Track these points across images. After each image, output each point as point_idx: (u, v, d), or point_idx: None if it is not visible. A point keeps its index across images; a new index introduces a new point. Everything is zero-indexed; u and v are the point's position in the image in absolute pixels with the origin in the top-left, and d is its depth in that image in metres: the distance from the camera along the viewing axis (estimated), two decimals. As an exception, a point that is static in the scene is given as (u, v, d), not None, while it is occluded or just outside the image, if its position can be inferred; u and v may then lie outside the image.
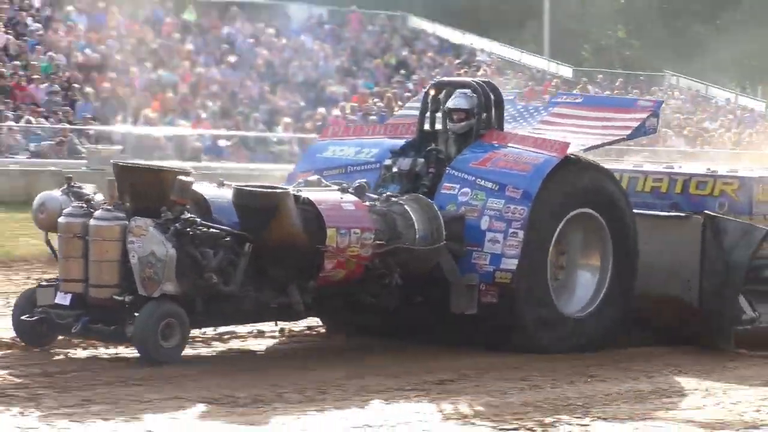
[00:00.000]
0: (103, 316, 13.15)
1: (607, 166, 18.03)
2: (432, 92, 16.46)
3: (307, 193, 14.30)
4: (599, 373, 14.76)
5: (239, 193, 13.76)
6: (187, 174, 13.75)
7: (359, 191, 14.77)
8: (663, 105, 17.59)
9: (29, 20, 51.59)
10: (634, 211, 16.75)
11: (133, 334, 12.74)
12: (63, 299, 13.31)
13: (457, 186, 15.12)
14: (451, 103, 16.06)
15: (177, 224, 13.01)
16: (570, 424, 11.87)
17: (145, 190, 13.54)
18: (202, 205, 13.98)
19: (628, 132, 17.08)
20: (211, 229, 13.67)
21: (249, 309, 14.12)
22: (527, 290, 14.91)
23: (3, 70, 46.17)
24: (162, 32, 56.54)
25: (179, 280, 12.88)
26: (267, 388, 12.79)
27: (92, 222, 13.17)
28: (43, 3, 55.19)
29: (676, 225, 16.77)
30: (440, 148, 16.08)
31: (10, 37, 49.66)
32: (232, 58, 55.99)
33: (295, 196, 14.01)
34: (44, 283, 13.79)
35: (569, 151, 15.70)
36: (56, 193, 14.03)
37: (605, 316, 15.86)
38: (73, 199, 13.75)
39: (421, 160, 15.61)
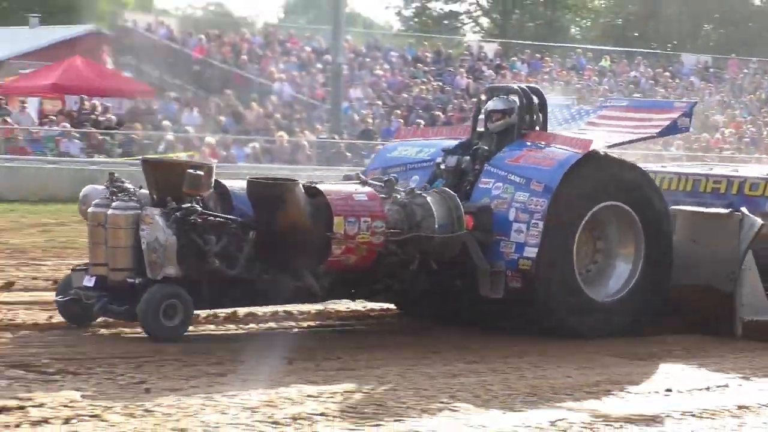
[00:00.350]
0: (119, 297, 12.16)
1: (671, 168, 17.04)
2: (483, 97, 15.11)
3: (320, 185, 13.16)
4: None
5: (251, 184, 12.69)
6: (204, 168, 12.75)
7: (388, 185, 13.40)
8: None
9: (484, 68, 56.71)
10: (688, 208, 14.84)
11: (138, 312, 11.77)
12: (89, 281, 12.37)
13: (492, 181, 13.69)
14: (489, 105, 14.57)
15: (177, 213, 11.89)
16: None
17: (167, 183, 12.39)
18: (225, 196, 12.82)
19: (658, 130, 15.10)
20: (216, 218, 12.29)
21: (264, 291, 12.61)
22: (551, 277, 13.24)
23: (465, 105, 47.15)
24: (584, 76, 59.62)
25: (181, 264, 11.88)
26: (656, 346, 13.41)
27: (109, 211, 12.23)
28: (495, 54, 60.05)
29: (721, 221, 14.30)
30: (485, 147, 14.32)
31: (470, 80, 53.80)
32: (636, 95, 53.97)
33: (307, 187, 12.89)
34: (78, 268, 12.95)
35: (593, 147, 13.81)
36: (99, 187, 12.94)
37: (634, 303, 13.83)
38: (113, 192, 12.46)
39: (467, 157, 14.10)
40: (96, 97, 39.71)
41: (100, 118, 38.55)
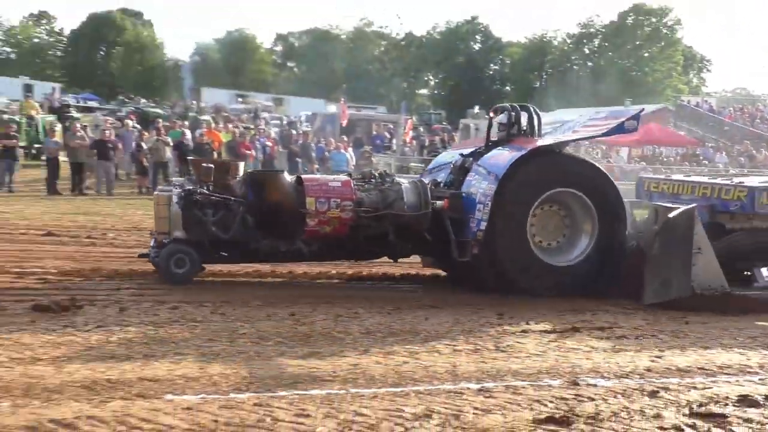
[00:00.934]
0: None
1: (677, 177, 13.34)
2: (492, 114, 12.83)
3: (304, 176, 11.87)
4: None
5: (248, 174, 11.70)
6: (229, 165, 11.61)
7: (382, 176, 11.88)
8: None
9: None
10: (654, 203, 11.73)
11: (158, 263, 11.08)
12: (153, 242, 11.59)
13: (474, 174, 11.74)
14: (496, 119, 12.60)
15: (181, 193, 11.12)
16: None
17: (198, 174, 11.28)
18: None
19: (605, 130, 12.15)
20: (214, 197, 11.13)
21: (262, 252, 11.28)
22: (503, 245, 11.15)
23: None
24: None
25: (186, 229, 10.93)
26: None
27: (155, 193, 11.76)
28: None
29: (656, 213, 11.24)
30: (485, 151, 12.32)
31: None
32: None
33: (294, 177, 11.60)
34: (152, 232, 12.07)
35: (539, 145, 11.60)
36: (180, 179, 12.43)
37: (580, 271, 11.27)
38: (187, 182, 11.61)
39: (470, 159, 12.08)
40: (663, 146, 42.90)
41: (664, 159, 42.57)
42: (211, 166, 11.61)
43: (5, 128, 25.50)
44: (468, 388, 6.75)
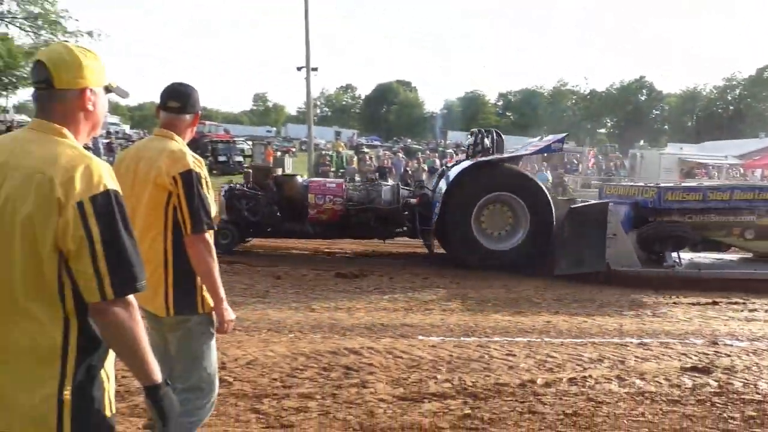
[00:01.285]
0: None
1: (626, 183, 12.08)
2: (469, 136, 11.82)
3: (312, 179, 11.38)
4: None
5: (275, 177, 10.76)
6: (263, 169, 11.09)
7: (370, 180, 11.16)
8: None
9: None
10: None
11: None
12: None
13: (444, 180, 10.77)
14: (469, 140, 11.64)
15: (225, 188, 10.74)
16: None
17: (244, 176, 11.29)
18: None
19: (534, 150, 11.12)
20: (248, 192, 10.68)
21: (281, 229, 10.63)
22: (454, 233, 10.13)
23: None
24: None
25: (228, 213, 10.47)
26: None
27: (220, 187, 11.27)
28: None
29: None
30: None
31: None
32: None
33: (304, 179, 11.00)
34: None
35: (483, 159, 10.45)
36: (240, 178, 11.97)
37: (512, 255, 10.02)
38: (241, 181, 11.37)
39: (450, 168, 11.25)
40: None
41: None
42: (250, 170, 11.46)
43: (323, 159, 27.13)
44: (630, 342, 6.42)
